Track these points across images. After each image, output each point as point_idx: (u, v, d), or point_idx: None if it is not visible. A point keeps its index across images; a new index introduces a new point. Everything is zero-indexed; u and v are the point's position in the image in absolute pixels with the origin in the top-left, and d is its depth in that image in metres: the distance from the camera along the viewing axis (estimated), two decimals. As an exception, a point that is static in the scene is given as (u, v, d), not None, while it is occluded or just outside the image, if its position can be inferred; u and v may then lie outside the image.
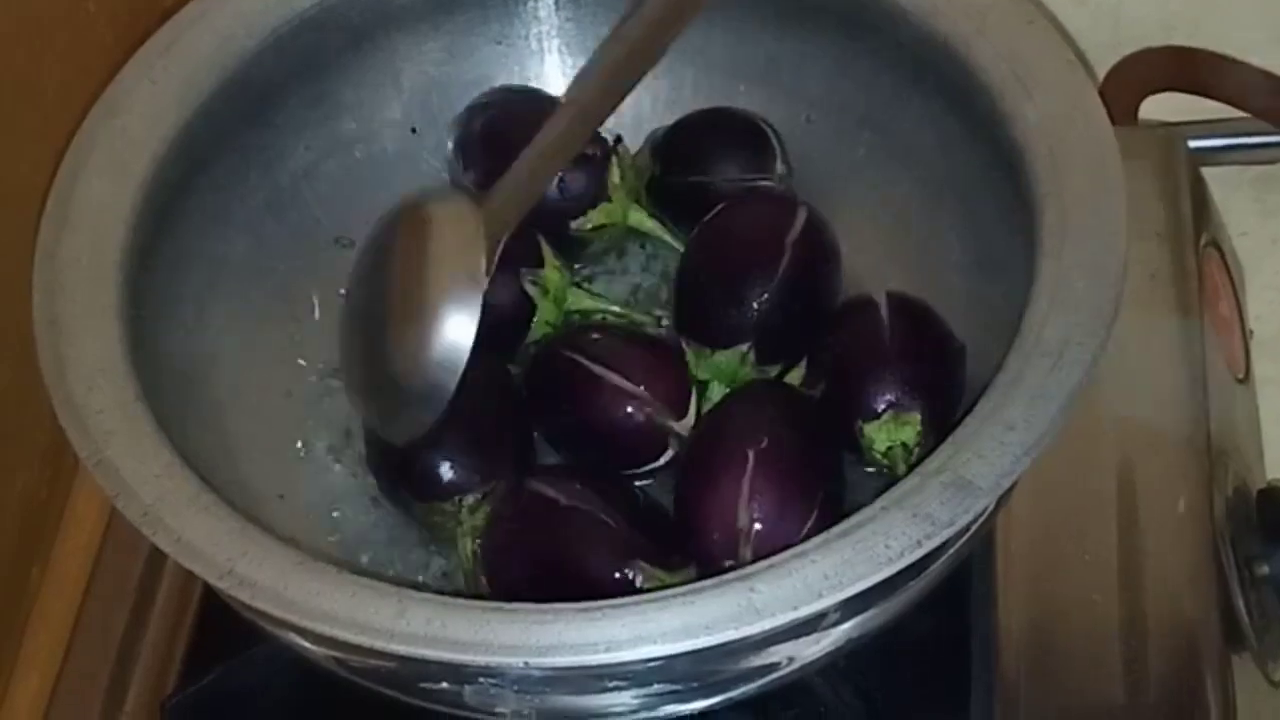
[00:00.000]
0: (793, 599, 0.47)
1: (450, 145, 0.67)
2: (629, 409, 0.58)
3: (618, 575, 0.54)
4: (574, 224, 0.65)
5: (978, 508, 0.49)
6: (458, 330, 0.55)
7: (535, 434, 0.61)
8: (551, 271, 0.63)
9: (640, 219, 0.66)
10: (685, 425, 0.58)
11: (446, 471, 0.58)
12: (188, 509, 0.51)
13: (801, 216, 0.61)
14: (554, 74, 0.70)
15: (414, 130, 0.68)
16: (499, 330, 0.60)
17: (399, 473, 0.60)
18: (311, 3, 0.64)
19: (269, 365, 0.64)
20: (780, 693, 0.54)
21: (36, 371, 0.54)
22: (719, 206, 0.63)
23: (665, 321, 0.64)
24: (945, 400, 0.57)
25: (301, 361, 0.65)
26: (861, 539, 0.48)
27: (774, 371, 0.61)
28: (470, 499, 0.58)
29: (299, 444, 0.64)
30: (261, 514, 0.56)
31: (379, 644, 0.47)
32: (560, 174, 0.64)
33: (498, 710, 0.52)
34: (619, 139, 0.67)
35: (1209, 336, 0.69)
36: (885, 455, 0.58)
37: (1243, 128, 0.81)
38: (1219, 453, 0.65)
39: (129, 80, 0.62)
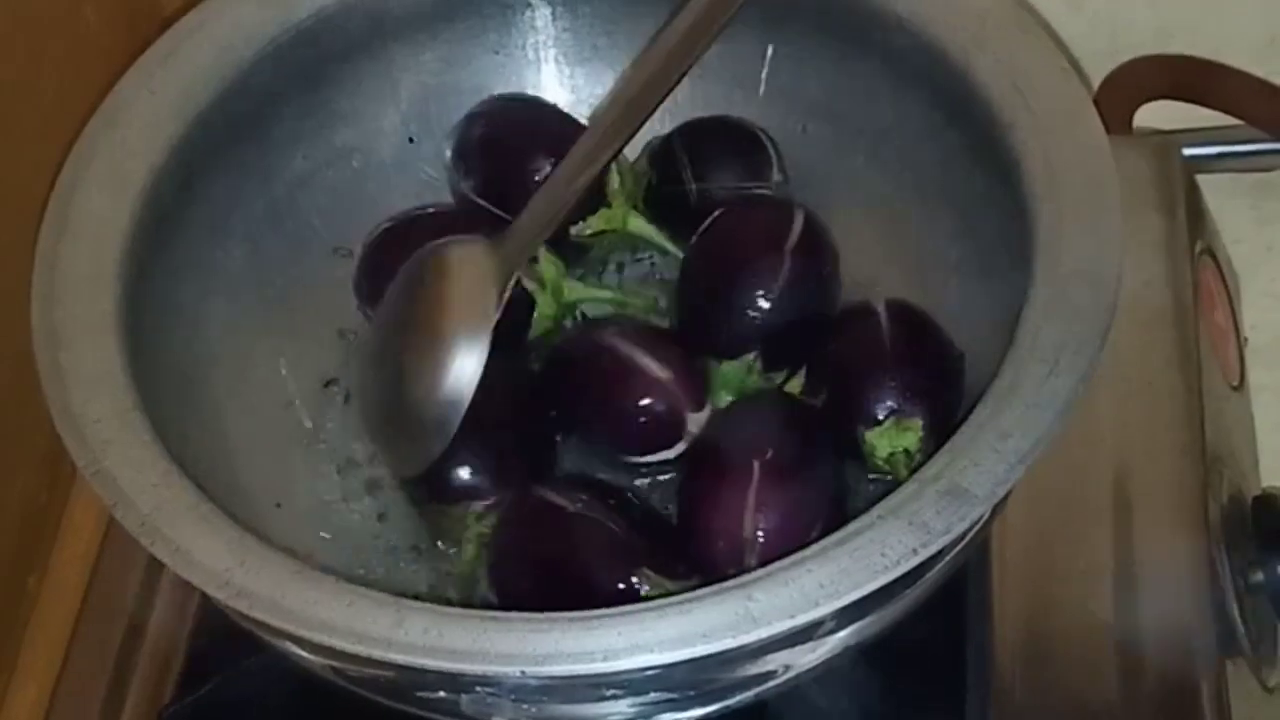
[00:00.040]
0: (789, 607, 0.47)
1: (448, 153, 0.67)
2: (654, 393, 0.59)
3: (623, 583, 0.54)
4: (574, 229, 0.65)
5: (973, 516, 0.49)
6: (464, 367, 0.56)
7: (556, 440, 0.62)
8: (546, 265, 0.63)
9: (639, 225, 0.66)
10: (699, 420, 0.59)
11: (462, 476, 0.59)
12: (185, 518, 0.51)
13: (799, 221, 0.61)
14: (551, 84, 0.70)
15: (411, 140, 0.69)
16: (500, 328, 0.61)
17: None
18: (309, 13, 0.64)
19: (267, 374, 0.64)
20: (777, 701, 0.54)
21: (34, 379, 0.54)
22: (715, 214, 0.63)
23: (663, 303, 0.65)
24: (946, 406, 0.58)
25: (300, 371, 0.65)
26: (858, 547, 0.48)
27: (780, 377, 0.61)
28: (480, 506, 0.58)
29: (297, 453, 0.64)
30: (259, 523, 0.56)
31: (376, 653, 0.47)
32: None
33: (495, 719, 0.52)
34: (619, 145, 0.67)
35: (1204, 344, 0.69)
36: (887, 461, 0.58)
37: (1238, 135, 0.81)
38: (1214, 460, 0.65)
39: (128, 90, 0.62)
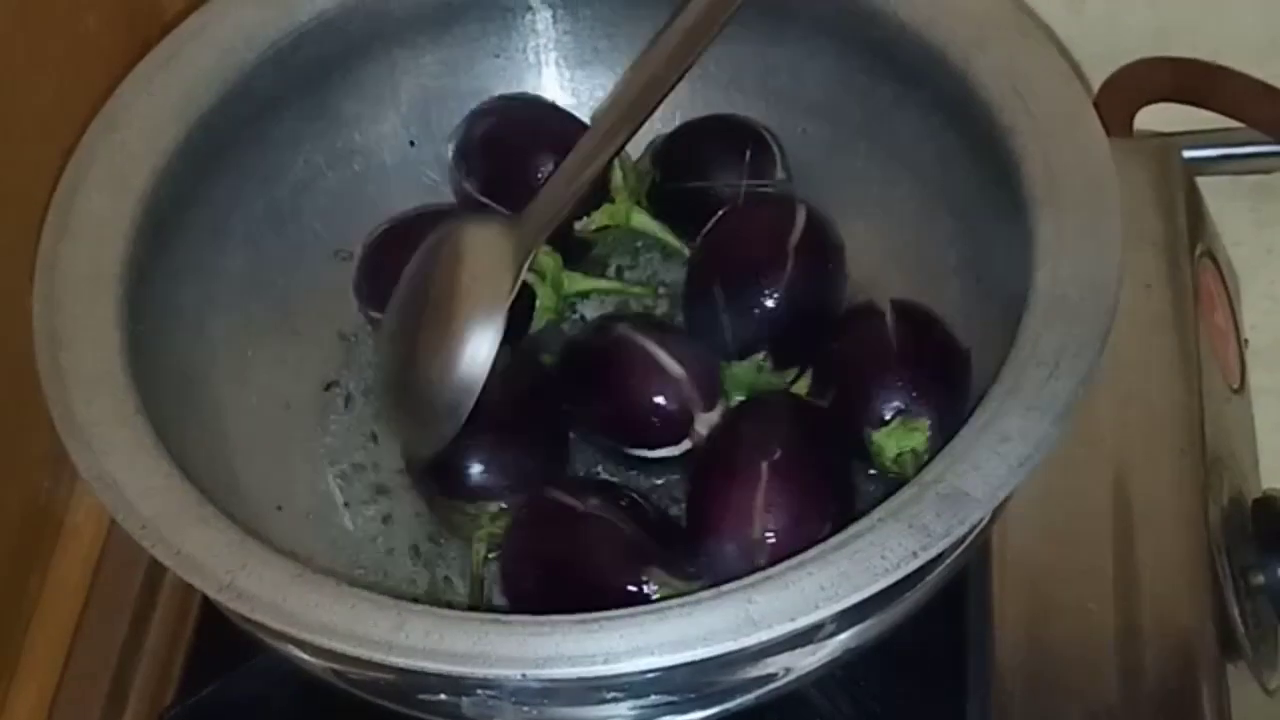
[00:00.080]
0: (790, 610, 0.47)
1: (450, 153, 0.67)
2: (666, 388, 0.59)
3: (633, 584, 0.54)
4: (578, 225, 0.65)
5: (974, 519, 0.49)
6: (479, 350, 0.56)
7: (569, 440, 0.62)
8: (544, 257, 0.63)
9: (643, 220, 0.66)
10: (709, 421, 0.59)
11: (478, 475, 0.59)
12: (187, 521, 0.51)
13: (801, 217, 0.62)
14: (552, 87, 0.70)
15: (412, 143, 0.69)
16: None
17: (431, 464, 0.60)
18: (310, 16, 0.64)
19: (268, 377, 0.64)
20: (777, 703, 0.54)
21: (35, 381, 0.54)
22: (718, 215, 0.63)
23: (663, 291, 0.66)
24: (953, 404, 0.57)
25: (301, 373, 0.65)
26: (858, 550, 0.48)
27: (791, 375, 0.62)
28: (494, 506, 0.59)
29: (298, 456, 0.64)
30: (260, 525, 0.56)
31: (378, 656, 0.47)
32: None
33: (496, 721, 0.52)
34: (621, 142, 0.67)
35: (1204, 346, 0.69)
36: (896, 462, 0.58)
37: (1238, 138, 0.81)
38: (1214, 462, 0.66)
39: (128, 94, 0.62)
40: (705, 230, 0.63)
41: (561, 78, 0.70)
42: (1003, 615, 0.61)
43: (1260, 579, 0.65)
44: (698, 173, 0.66)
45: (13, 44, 0.66)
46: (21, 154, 0.66)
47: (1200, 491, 0.64)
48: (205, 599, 0.58)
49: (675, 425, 0.59)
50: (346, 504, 0.63)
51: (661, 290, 0.67)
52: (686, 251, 0.65)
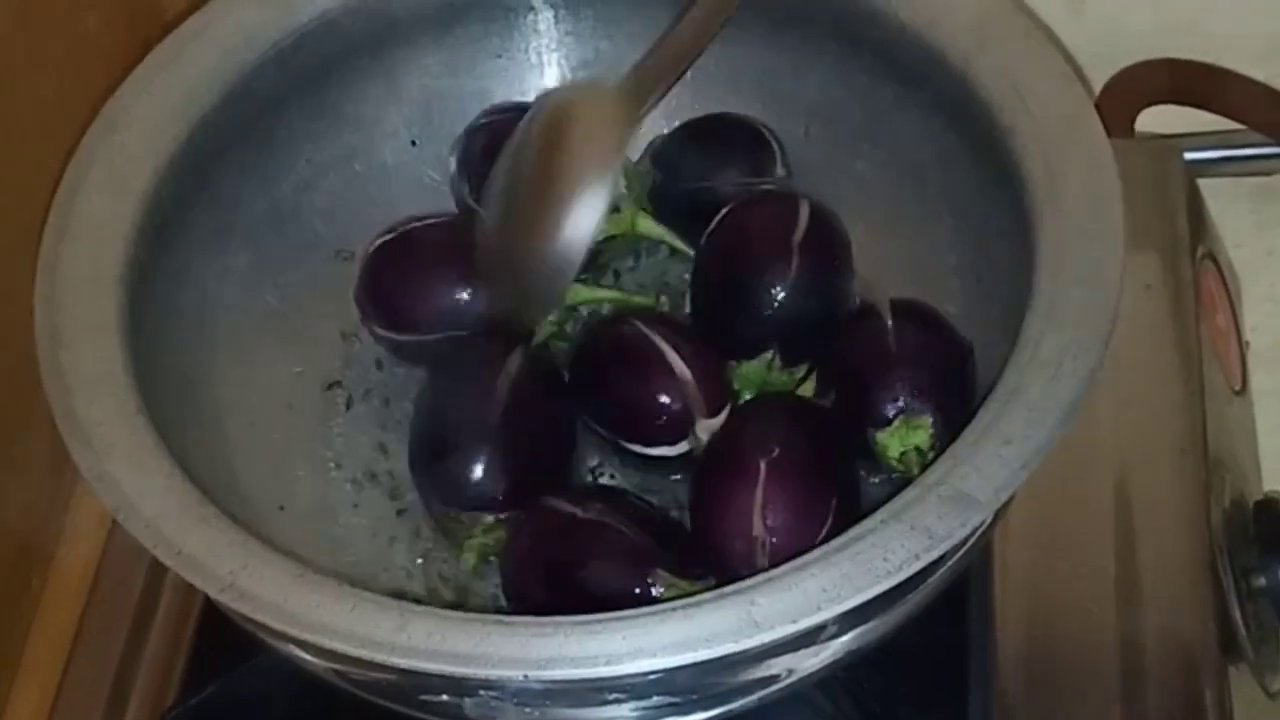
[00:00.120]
0: (792, 612, 0.47)
1: (453, 166, 0.67)
2: (673, 388, 0.59)
3: (638, 586, 0.54)
4: None
5: (976, 521, 0.49)
6: (586, 214, 0.55)
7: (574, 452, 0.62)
8: None
9: (649, 226, 0.66)
10: (711, 426, 0.59)
11: (474, 486, 0.59)
12: (188, 521, 0.51)
13: (805, 214, 0.62)
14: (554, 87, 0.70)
15: (414, 143, 0.69)
16: (505, 337, 0.61)
17: (430, 470, 0.60)
18: (312, 17, 0.64)
19: (270, 377, 0.64)
20: (779, 705, 0.54)
21: (37, 382, 0.54)
22: (721, 214, 0.63)
23: (664, 300, 0.66)
24: (956, 400, 0.58)
25: (303, 373, 0.65)
26: (860, 552, 0.48)
27: (801, 371, 0.62)
28: (489, 518, 0.58)
29: (299, 456, 0.64)
30: (262, 526, 0.56)
31: (379, 657, 0.47)
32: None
33: (498, 722, 0.52)
34: (620, 146, 0.67)
35: (1205, 348, 0.69)
36: (900, 461, 0.58)
37: (1239, 140, 0.81)
38: (1216, 464, 0.65)
39: (129, 94, 0.62)
40: (709, 230, 0.63)
41: (564, 78, 0.70)
42: (1004, 617, 0.61)
43: (1261, 581, 0.65)
44: (698, 172, 0.66)
45: (13, 44, 0.66)
46: (22, 154, 0.66)
47: (1201, 493, 0.64)
48: (207, 599, 0.58)
49: (675, 426, 0.59)
50: (349, 504, 0.63)
51: (663, 296, 0.66)
52: (693, 254, 0.65)
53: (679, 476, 0.61)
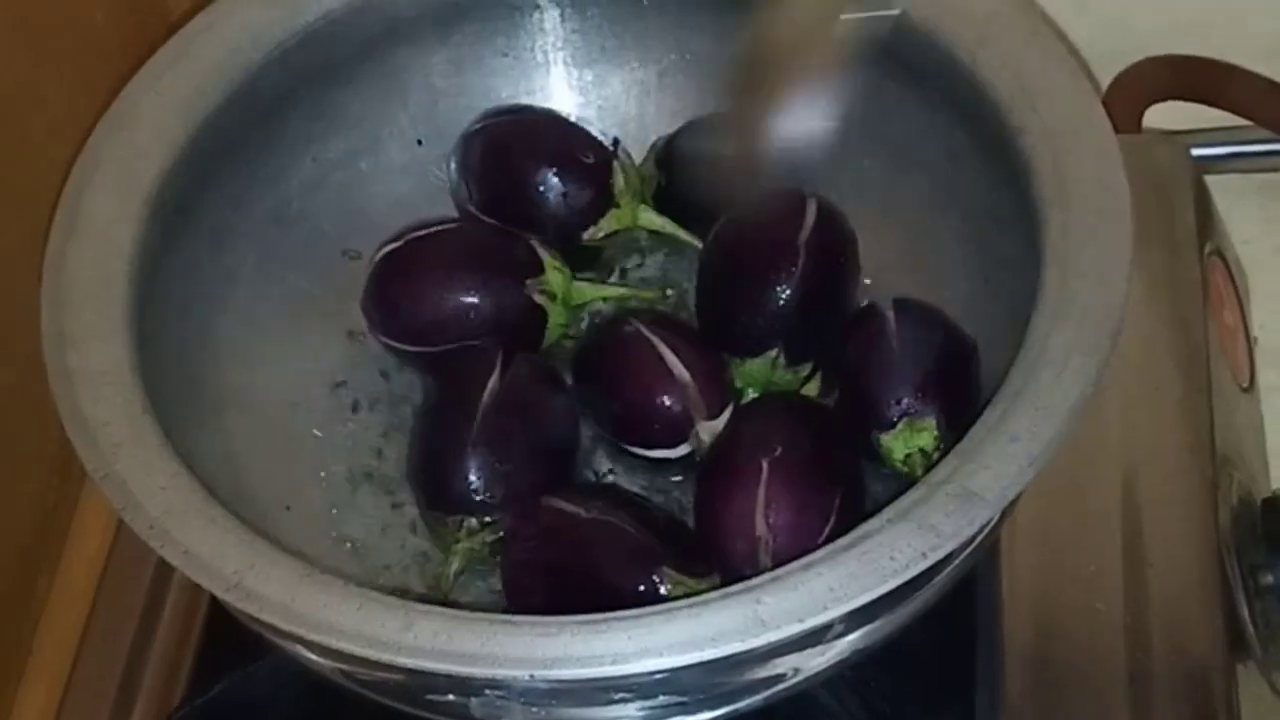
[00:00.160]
0: (798, 611, 0.47)
1: (453, 172, 0.67)
2: (672, 391, 0.59)
3: (644, 584, 0.54)
4: (586, 235, 0.65)
5: (983, 519, 0.49)
6: (815, 103, 0.53)
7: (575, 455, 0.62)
8: (553, 274, 0.63)
9: (650, 218, 0.66)
10: (712, 428, 0.59)
11: (456, 489, 0.58)
12: (195, 521, 0.51)
13: (811, 211, 0.61)
14: (560, 86, 0.70)
15: (420, 142, 0.69)
16: (514, 342, 0.61)
17: (417, 473, 0.60)
18: (317, 16, 0.64)
19: (276, 376, 0.64)
20: (786, 704, 0.54)
21: (43, 381, 0.54)
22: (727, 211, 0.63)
23: (670, 293, 0.66)
24: (960, 401, 0.57)
25: (309, 373, 0.65)
26: (867, 551, 0.48)
27: (806, 370, 0.62)
28: (473, 522, 0.58)
29: (306, 455, 0.64)
30: (269, 525, 0.56)
31: (386, 657, 0.47)
32: (563, 189, 0.64)
33: (504, 722, 0.52)
34: (616, 141, 0.67)
35: (1213, 345, 0.69)
36: (904, 463, 0.58)
37: (1246, 136, 0.81)
38: (1223, 462, 0.65)
39: (136, 93, 0.62)
40: (715, 228, 0.63)
41: (570, 77, 0.70)
42: (1011, 616, 0.61)
43: (1269, 579, 0.65)
44: (702, 172, 0.66)
45: (20, 43, 0.66)
46: (29, 153, 0.66)
47: (1209, 491, 0.64)
48: (213, 599, 0.58)
49: (675, 429, 0.60)
50: (354, 504, 0.63)
51: (669, 292, 0.66)
52: (698, 244, 0.65)
53: (682, 477, 0.61)
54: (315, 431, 0.64)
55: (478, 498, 0.58)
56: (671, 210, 0.67)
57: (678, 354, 0.60)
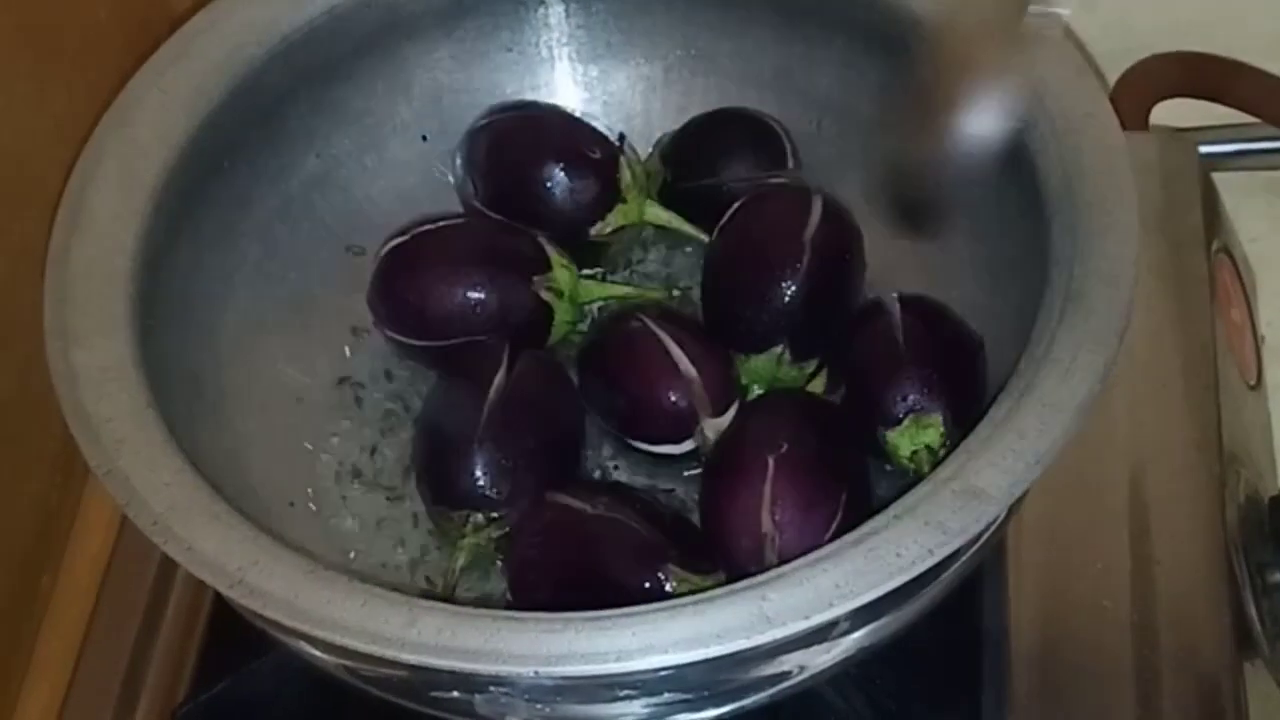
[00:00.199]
0: (804, 608, 0.47)
1: (458, 168, 0.67)
2: (678, 386, 0.59)
3: (649, 580, 0.54)
4: (593, 230, 0.65)
5: (989, 516, 0.49)
6: (993, 109, 0.52)
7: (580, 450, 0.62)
8: (560, 271, 0.63)
9: (657, 213, 0.66)
10: (716, 425, 0.59)
11: (461, 484, 0.58)
12: (198, 517, 0.51)
13: (817, 208, 0.61)
14: (564, 81, 0.70)
15: (425, 138, 0.69)
16: (520, 338, 0.61)
17: (422, 469, 0.60)
18: (321, 11, 0.64)
19: (280, 372, 0.64)
20: (791, 702, 0.54)
21: (46, 378, 0.54)
22: (733, 208, 0.63)
23: (676, 292, 0.66)
24: (966, 397, 0.57)
25: (313, 369, 0.65)
26: (873, 548, 0.48)
27: (811, 366, 0.62)
28: (479, 517, 0.58)
29: (310, 451, 0.63)
30: (272, 522, 0.56)
31: (390, 653, 0.47)
32: (569, 184, 0.64)
33: (509, 719, 0.52)
34: (622, 137, 0.67)
35: (1220, 343, 0.69)
36: (911, 460, 0.57)
37: (1254, 133, 0.81)
38: (1231, 460, 0.65)
39: (139, 89, 0.62)
40: (721, 223, 0.63)
41: (574, 72, 0.70)
42: (1018, 613, 0.61)
43: (1277, 577, 0.65)
44: (707, 168, 0.66)
45: (24, 40, 0.66)
46: (33, 150, 0.66)
47: (1216, 489, 0.64)
48: (217, 596, 0.58)
49: (680, 424, 0.59)
50: (359, 500, 0.63)
51: (675, 291, 0.66)
52: (704, 238, 0.65)
53: (688, 474, 0.61)
54: (319, 427, 0.64)
55: (484, 493, 0.58)
56: (677, 207, 0.67)
57: (684, 349, 0.59)
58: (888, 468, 0.59)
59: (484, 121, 0.67)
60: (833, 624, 0.48)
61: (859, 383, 0.59)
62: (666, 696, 0.51)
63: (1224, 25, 0.82)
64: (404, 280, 0.63)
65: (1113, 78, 0.83)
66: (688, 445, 0.60)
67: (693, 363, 0.59)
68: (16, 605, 0.67)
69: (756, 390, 0.62)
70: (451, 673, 0.47)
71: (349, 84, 0.66)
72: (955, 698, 0.59)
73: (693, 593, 0.48)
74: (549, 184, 0.65)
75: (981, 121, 0.52)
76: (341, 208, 0.67)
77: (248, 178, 0.64)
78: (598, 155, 0.65)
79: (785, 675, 0.52)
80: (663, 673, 0.47)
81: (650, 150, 0.68)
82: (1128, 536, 0.62)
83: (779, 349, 0.61)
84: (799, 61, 0.67)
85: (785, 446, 0.56)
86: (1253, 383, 0.74)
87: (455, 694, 0.51)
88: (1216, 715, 0.59)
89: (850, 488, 0.56)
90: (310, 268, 0.66)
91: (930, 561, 0.47)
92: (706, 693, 0.52)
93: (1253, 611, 0.62)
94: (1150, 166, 0.73)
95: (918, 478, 0.52)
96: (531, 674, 0.46)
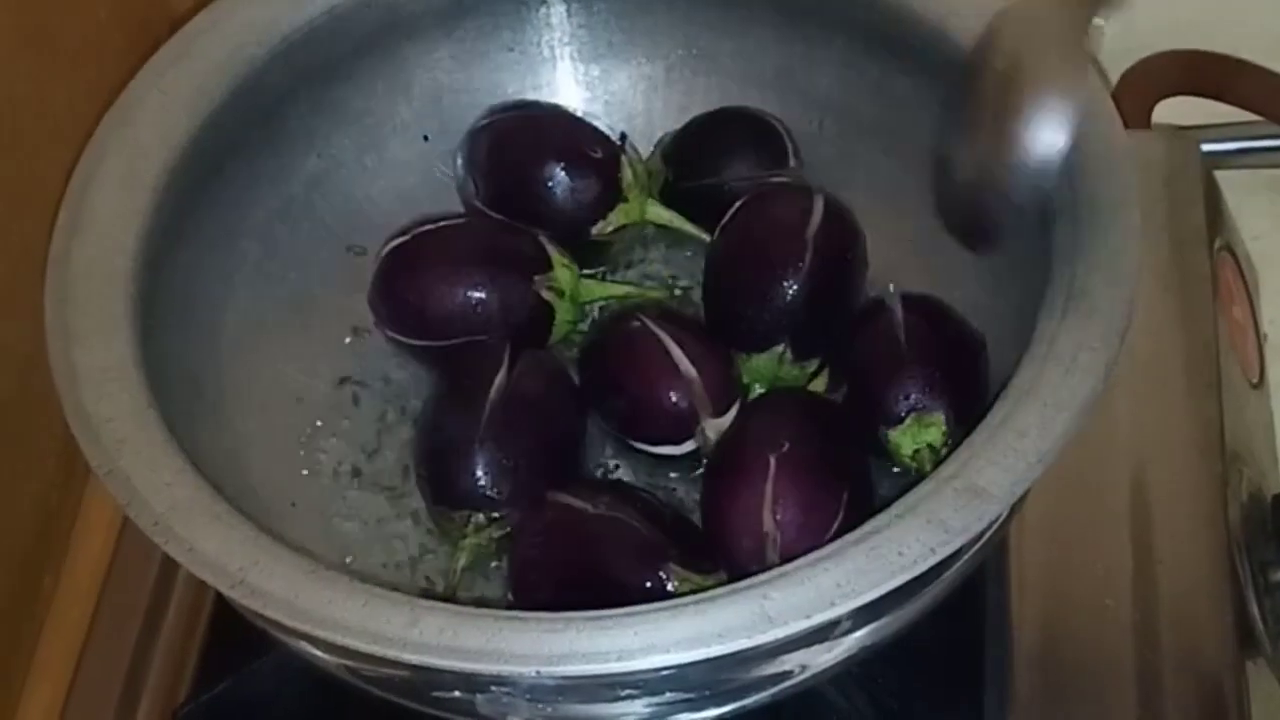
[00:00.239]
0: (806, 607, 0.47)
1: (459, 168, 0.67)
2: (678, 387, 0.59)
3: (650, 580, 0.54)
4: (594, 230, 0.65)
5: (991, 515, 0.49)
6: (1059, 124, 0.52)
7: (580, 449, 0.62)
8: (561, 270, 0.63)
9: (658, 212, 0.66)
10: (717, 425, 0.59)
11: (462, 484, 0.58)
12: (199, 518, 0.51)
13: (819, 207, 0.61)
14: (566, 81, 0.70)
15: (426, 138, 0.68)
16: (521, 338, 0.61)
17: (423, 469, 0.60)
18: (321, 11, 0.64)
19: (280, 372, 0.64)
20: (793, 701, 0.54)
21: (48, 378, 0.54)
22: (735, 207, 0.63)
23: (678, 291, 0.65)
24: (968, 396, 0.57)
25: (314, 369, 0.65)
26: (875, 546, 0.48)
27: (813, 365, 0.61)
28: (480, 517, 0.58)
29: (310, 451, 0.63)
30: (273, 522, 0.56)
31: (391, 653, 0.47)
32: (570, 183, 0.64)
33: (510, 719, 0.52)
34: (624, 136, 0.67)
35: (1223, 341, 0.69)
36: (913, 459, 0.57)
37: (1256, 131, 0.81)
38: (1233, 458, 0.65)
39: (140, 89, 0.62)
40: (723, 222, 0.63)
41: (576, 72, 0.70)
42: (1020, 612, 0.61)
43: (1279, 576, 0.65)
44: (709, 168, 0.66)
45: (24, 41, 0.66)
46: (34, 151, 0.66)
47: (1219, 488, 0.64)
48: (218, 596, 0.58)
49: (680, 425, 0.59)
50: (360, 500, 0.63)
51: (677, 291, 0.66)
52: (705, 238, 0.65)
53: (688, 473, 0.61)
54: (319, 427, 0.64)
55: (485, 493, 0.58)
56: (678, 206, 0.67)
57: (684, 349, 0.59)
58: (895, 470, 0.59)
59: (485, 121, 0.67)
60: (834, 623, 0.48)
61: (861, 382, 0.59)
62: (668, 696, 0.51)
63: (1226, 24, 0.82)
64: (405, 280, 0.63)
65: (1115, 76, 0.83)
66: (688, 446, 0.60)
67: (693, 363, 0.59)
68: (18, 605, 0.67)
69: (758, 389, 0.61)
70: (453, 673, 0.47)
71: (349, 84, 0.66)
72: (957, 697, 0.59)
73: (694, 592, 0.48)
74: (550, 183, 0.65)
75: (1044, 137, 0.52)
76: (342, 208, 0.67)
77: (248, 177, 0.64)
78: (599, 155, 0.65)
79: (787, 674, 0.52)
80: (664, 672, 0.47)
81: (652, 150, 0.68)
82: (1130, 535, 0.62)
83: (781, 348, 0.61)
84: (800, 61, 0.67)
85: (787, 446, 0.56)
86: (1255, 381, 0.74)
87: (457, 694, 0.51)
88: (1219, 714, 0.59)
89: (852, 487, 0.56)
90: (310, 268, 0.66)
91: (932, 560, 0.47)
92: (708, 692, 0.52)
93: (1255, 610, 0.62)
94: (1152, 165, 0.73)
95: (919, 477, 0.52)
96: (533, 674, 0.46)
